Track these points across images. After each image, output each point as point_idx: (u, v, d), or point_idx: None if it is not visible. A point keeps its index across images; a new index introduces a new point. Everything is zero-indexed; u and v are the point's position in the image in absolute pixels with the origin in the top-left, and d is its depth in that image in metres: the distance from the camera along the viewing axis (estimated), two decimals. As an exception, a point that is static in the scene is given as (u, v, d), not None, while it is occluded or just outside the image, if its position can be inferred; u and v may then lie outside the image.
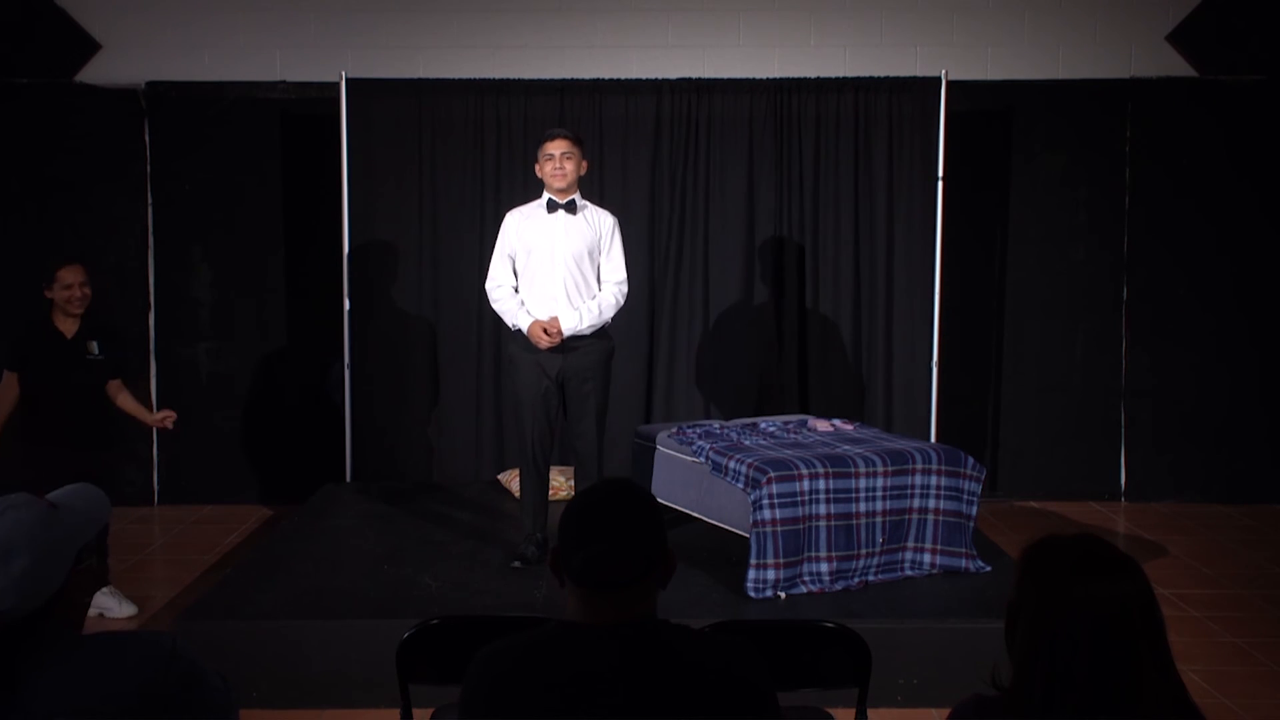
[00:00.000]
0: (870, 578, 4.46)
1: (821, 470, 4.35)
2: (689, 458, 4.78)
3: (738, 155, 6.33)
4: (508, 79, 6.32)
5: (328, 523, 5.44)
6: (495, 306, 4.86)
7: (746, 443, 4.73)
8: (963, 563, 4.58)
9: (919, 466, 4.52)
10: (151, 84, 6.56)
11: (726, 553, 4.69)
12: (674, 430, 5.02)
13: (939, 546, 4.55)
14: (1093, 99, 6.64)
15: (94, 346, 4.91)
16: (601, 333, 4.78)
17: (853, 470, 4.41)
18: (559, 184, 4.67)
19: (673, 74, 6.40)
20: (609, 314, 4.77)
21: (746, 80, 6.33)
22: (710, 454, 4.61)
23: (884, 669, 3.38)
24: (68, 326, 4.93)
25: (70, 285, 4.94)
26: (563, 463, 6.17)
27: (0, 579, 1.77)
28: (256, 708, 3.91)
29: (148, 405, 6.65)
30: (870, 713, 2.71)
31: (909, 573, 4.54)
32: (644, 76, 6.37)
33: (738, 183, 6.34)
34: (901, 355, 6.35)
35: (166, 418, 4.96)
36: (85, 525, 1.92)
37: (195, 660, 1.88)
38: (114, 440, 5.16)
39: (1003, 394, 6.77)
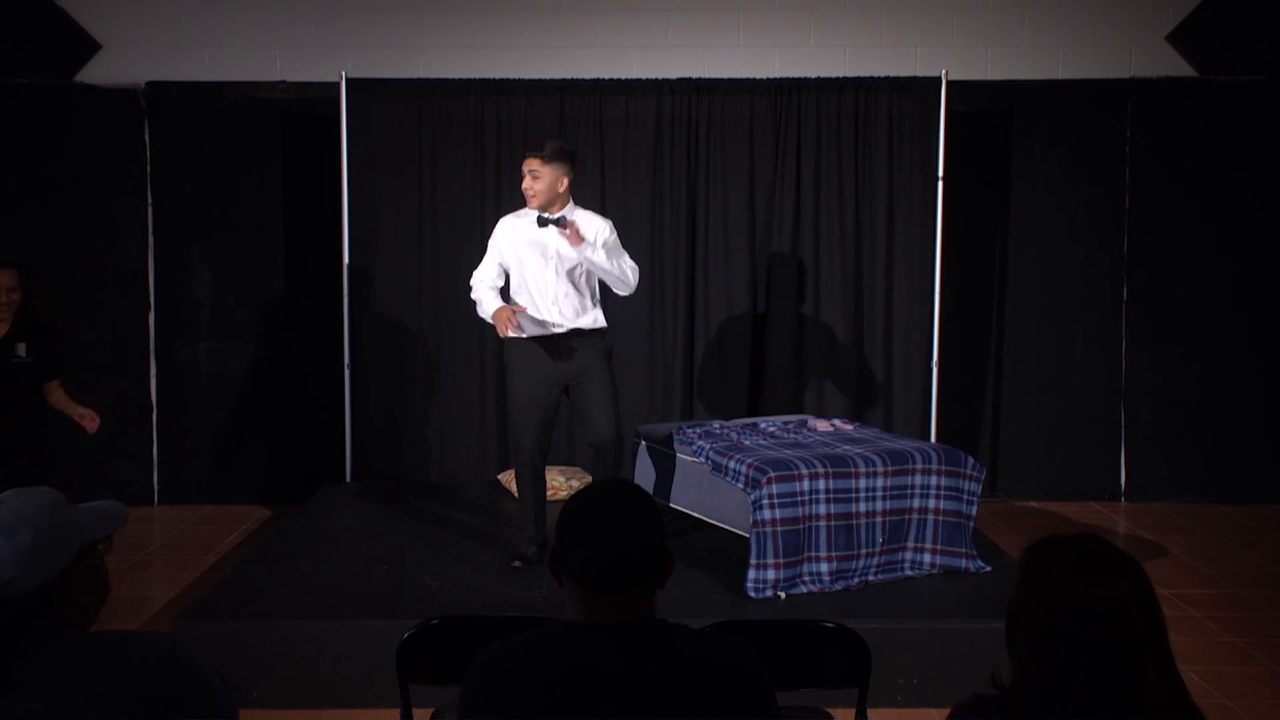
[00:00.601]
0: (870, 578, 4.46)
1: (821, 470, 4.35)
2: (689, 458, 4.78)
3: (738, 155, 6.33)
4: (508, 79, 6.32)
5: (328, 523, 5.44)
6: (474, 296, 4.80)
7: (746, 443, 4.73)
8: (963, 563, 4.58)
9: (919, 466, 4.52)
10: (151, 84, 6.56)
11: (726, 553, 4.69)
12: (674, 430, 5.02)
13: (939, 546, 4.55)
14: (1093, 99, 6.64)
15: (21, 349, 4.76)
16: (599, 332, 4.71)
17: (853, 470, 4.41)
18: (532, 204, 4.59)
19: (673, 74, 6.40)
20: (616, 269, 4.60)
21: (746, 80, 6.33)
22: (710, 454, 4.61)
23: (884, 669, 3.38)
24: None
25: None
26: (566, 463, 6.18)
27: (4, 548, 1.81)
28: (256, 708, 3.91)
29: (148, 405, 6.67)
30: (870, 713, 2.71)
31: (909, 573, 4.54)
32: (644, 76, 6.37)
33: (738, 182, 6.34)
34: (901, 355, 6.35)
35: (84, 415, 4.80)
36: (94, 523, 1.96)
37: (195, 660, 1.88)
38: (49, 440, 4.97)
39: (1003, 394, 6.77)
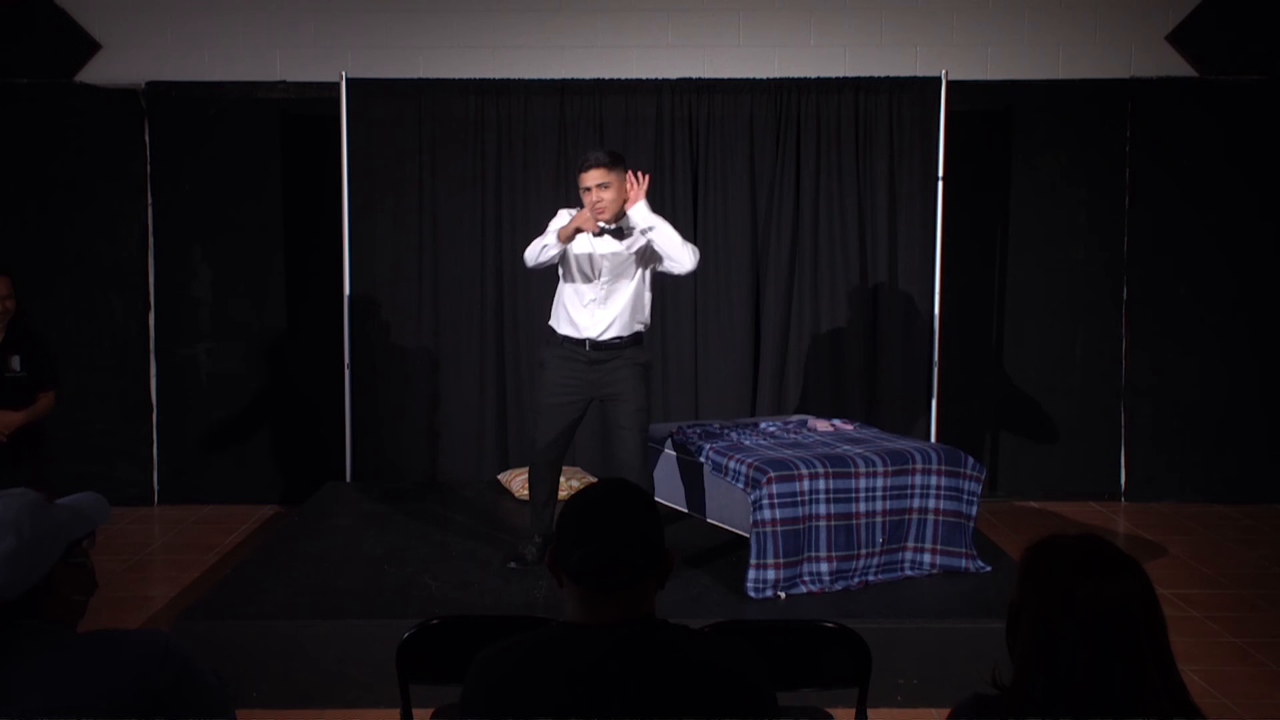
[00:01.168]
0: (870, 578, 4.46)
1: (821, 470, 4.35)
2: (689, 458, 4.78)
3: (738, 155, 6.33)
4: (508, 79, 6.32)
5: (328, 523, 5.44)
6: (533, 249, 4.46)
7: (746, 443, 4.73)
8: (963, 563, 4.57)
9: (919, 466, 4.52)
10: (151, 84, 6.56)
11: (726, 553, 4.69)
12: (674, 430, 5.02)
13: (939, 546, 4.55)
14: (1093, 99, 6.64)
15: (15, 363, 4.52)
16: (637, 342, 4.53)
17: (853, 470, 4.41)
18: (601, 218, 4.37)
19: (673, 74, 6.40)
20: (678, 239, 4.35)
21: (746, 80, 6.33)
22: (710, 454, 4.61)
23: (884, 669, 3.39)
24: None
25: None
26: (566, 463, 6.17)
27: None
28: (256, 708, 3.91)
29: (148, 405, 6.67)
30: (870, 713, 2.71)
31: (909, 573, 4.54)
32: (644, 76, 6.37)
33: (738, 183, 6.34)
34: (901, 355, 6.35)
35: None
36: (76, 521, 1.93)
37: (189, 658, 1.88)
38: (45, 447, 4.73)
39: (1003, 394, 6.77)
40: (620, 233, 4.43)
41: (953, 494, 4.55)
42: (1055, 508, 6.61)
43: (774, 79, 6.34)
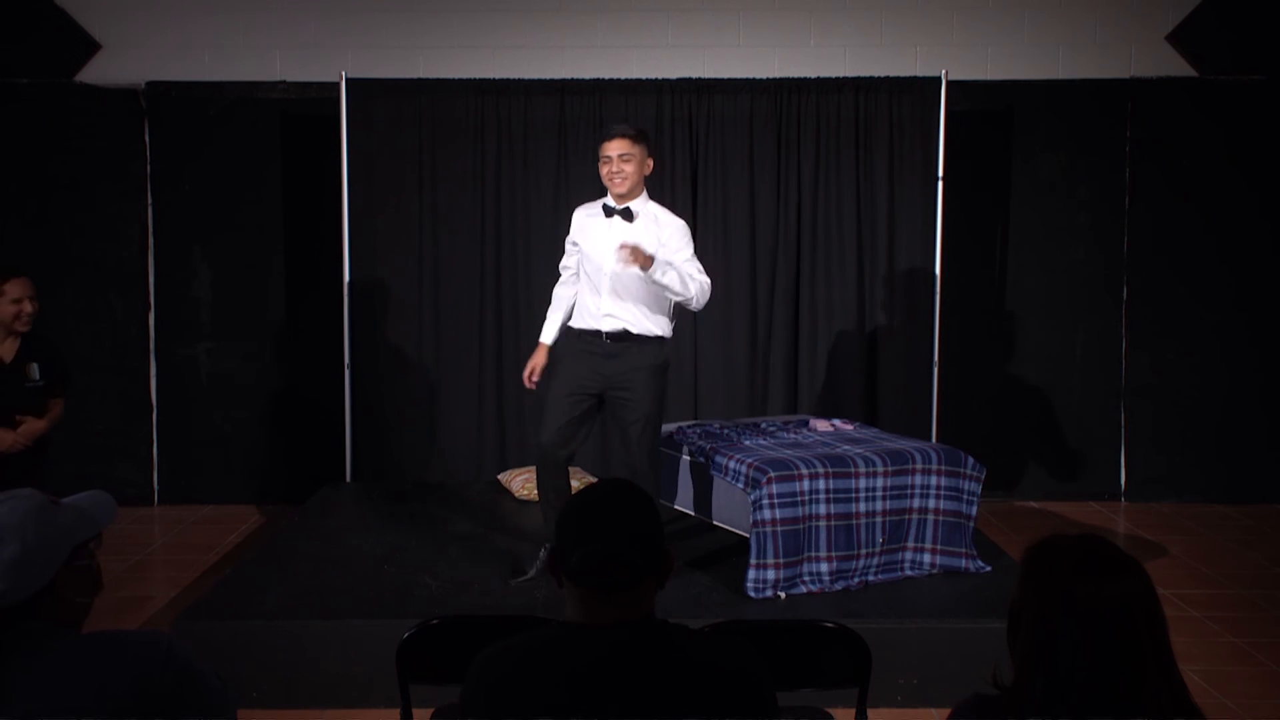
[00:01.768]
0: (870, 578, 4.46)
1: (821, 470, 4.35)
2: (689, 458, 4.78)
3: (738, 155, 6.33)
4: (508, 79, 6.32)
5: (328, 523, 5.44)
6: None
7: (746, 443, 4.73)
8: (963, 563, 4.57)
9: (919, 466, 4.52)
10: (151, 84, 6.56)
11: (726, 553, 4.69)
12: (674, 430, 5.02)
13: (939, 546, 4.55)
14: (1092, 99, 6.64)
15: (34, 370, 4.36)
16: (655, 341, 4.36)
17: (853, 470, 4.41)
18: (618, 189, 4.29)
19: (673, 74, 6.40)
20: (692, 286, 4.20)
21: (746, 80, 6.33)
22: (710, 454, 4.61)
23: (884, 669, 3.38)
24: (6, 348, 4.35)
25: (20, 300, 4.32)
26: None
27: None
28: (256, 708, 3.91)
29: (148, 405, 6.67)
30: (870, 713, 2.71)
31: (909, 573, 4.54)
32: (644, 76, 6.37)
33: (738, 183, 6.34)
34: (901, 355, 6.35)
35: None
36: (83, 523, 1.92)
37: (191, 659, 1.88)
38: (49, 452, 4.57)
39: (1003, 394, 6.77)
40: (629, 214, 4.35)
41: (953, 494, 4.55)
42: (1055, 508, 6.61)
43: (774, 79, 6.34)
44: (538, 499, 4.71)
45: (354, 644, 4.02)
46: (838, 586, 4.36)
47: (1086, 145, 6.68)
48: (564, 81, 6.30)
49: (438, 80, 6.32)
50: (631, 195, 4.35)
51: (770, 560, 4.26)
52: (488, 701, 1.84)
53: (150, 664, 1.82)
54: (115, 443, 6.65)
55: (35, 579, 1.82)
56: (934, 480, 4.53)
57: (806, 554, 4.33)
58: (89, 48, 6.58)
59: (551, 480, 4.45)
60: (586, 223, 4.49)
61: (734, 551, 4.62)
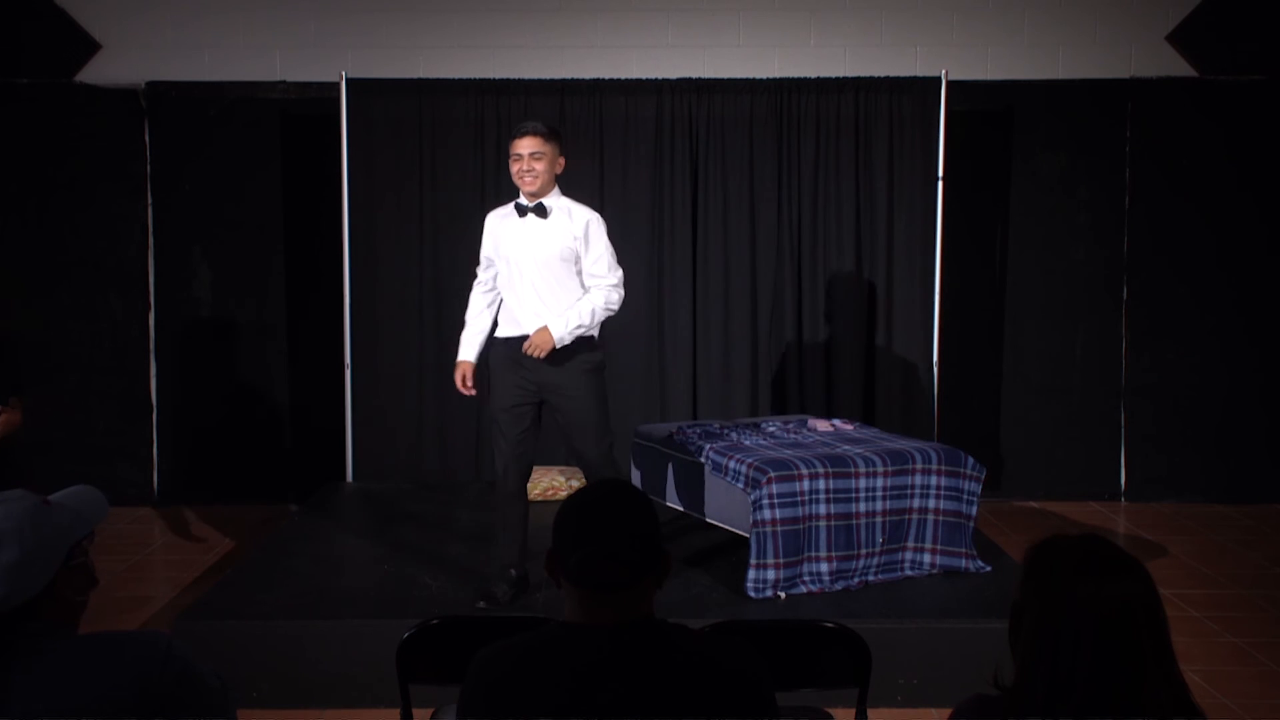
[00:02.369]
0: (870, 578, 4.46)
1: (821, 470, 4.35)
2: (689, 458, 4.78)
3: (738, 155, 6.33)
4: (508, 79, 6.32)
5: (328, 523, 5.44)
6: (467, 315, 4.57)
7: (746, 443, 4.73)
8: (963, 563, 4.57)
9: (919, 466, 4.52)
10: (151, 84, 6.56)
11: (726, 553, 4.69)
12: (674, 430, 5.02)
13: (939, 546, 4.55)
14: (1093, 99, 6.64)
15: None
16: (587, 342, 4.29)
17: (853, 470, 4.41)
18: (529, 188, 4.23)
19: (673, 74, 6.40)
20: (599, 316, 4.25)
21: (746, 80, 6.33)
22: (710, 454, 4.60)
23: (884, 669, 3.38)
24: None
25: None
26: (565, 462, 6.17)
27: None
28: (256, 708, 3.91)
29: (148, 405, 6.67)
30: (870, 713, 2.71)
31: (909, 573, 4.54)
32: (644, 76, 6.37)
33: (738, 183, 6.34)
34: (901, 355, 6.35)
35: None
36: (77, 523, 1.92)
37: (190, 659, 1.87)
38: (9, 461, 4.29)
39: (1003, 394, 6.77)
40: (543, 210, 4.28)
41: (953, 494, 4.55)
42: (1055, 508, 6.61)
43: (774, 79, 6.34)
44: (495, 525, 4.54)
45: (354, 644, 4.02)
46: (838, 586, 4.36)
47: (1086, 145, 6.68)
48: (564, 81, 6.30)
49: (438, 80, 6.32)
50: (544, 192, 4.29)
51: (770, 560, 4.26)
52: (487, 701, 1.84)
53: (150, 664, 1.82)
54: (115, 443, 6.65)
55: (34, 581, 1.82)
56: (934, 480, 4.53)
57: (806, 554, 4.33)
58: (89, 48, 6.58)
59: (511, 512, 4.35)
60: (500, 226, 4.38)
61: (734, 551, 4.62)
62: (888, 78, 6.30)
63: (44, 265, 6.56)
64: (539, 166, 4.22)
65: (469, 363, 4.51)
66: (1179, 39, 6.65)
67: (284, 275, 6.67)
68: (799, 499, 4.30)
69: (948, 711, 1.81)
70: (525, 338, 4.25)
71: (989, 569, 4.59)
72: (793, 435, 4.93)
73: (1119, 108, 6.65)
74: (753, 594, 4.25)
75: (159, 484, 6.71)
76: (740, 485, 4.36)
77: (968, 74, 6.50)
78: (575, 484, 5.81)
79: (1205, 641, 4.55)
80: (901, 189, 6.29)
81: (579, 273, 4.30)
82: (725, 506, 4.54)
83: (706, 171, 6.34)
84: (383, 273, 6.34)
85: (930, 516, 4.54)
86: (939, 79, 6.14)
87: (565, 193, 4.39)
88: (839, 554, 4.38)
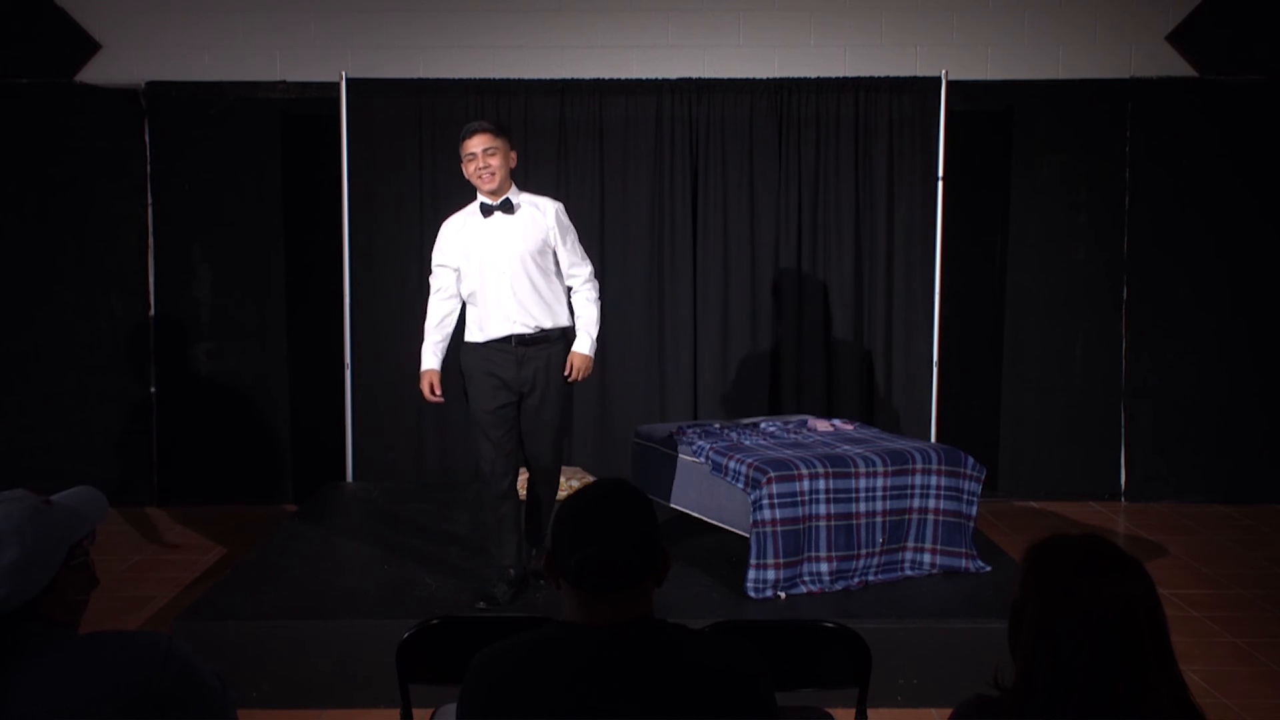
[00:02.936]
0: (870, 578, 4.46)
1: (821, 470, 4.35)
2: (689, 458, 4.78)
3: (738, 155, 6.33)
4: (508, 79, 6.32)
5: (328, 523, 5.44)
6: (426, 325, 4.52)
7: (746, 443, 4.73)
8: (963, 563, 4.57)
9: (919, 466, 4.52)
10: (151, 84, 6.56)
11: (726, 553, 4.69)
12: (674, 430, 5.02)
13: (939, 546, 4.55)
14: (1093, 99, 6.64)
15: None
16: (562, 333, 4.33)
17: (853, 470, 4.41)
18: (488, 185, 4.24)
19: (673, 74, 6.40)
20: (597, 309, 4.37)
21: (746, 80, 6.33)
22: (710, 454, 4.60)
23: (884, 669, 3.39)
24: None
25: None
26: (564, 462, 6.17)
27: None
28: (256, 708, 3.91)
29: (148, 405, 6.67)
30: (870, 713, 2.71)
31: (909, 573, 4.54)
32: (644, 76, 6.37)
33: (738, 182, 6.35)
34: (901, 355, 6.35)
35: None
36: (77, 523, 1.92)
37: (190, 659, 1.87)
38: None
39: (1003, 394, 6.77)
40: (509, 206, 4.30)
41: (953, 494, 4.55)
42: (1055, 508, 6.61)
43: (774, 79, 6.34)
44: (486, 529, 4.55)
45: (354, 644, 4.02)
46: (838, 586, 4.36)
47: (1086, 145, 6.68)
48: (564, 81, 6.31)
49: (438, 80, 6.32)
50: (503, 189, 4.30)
51: (770, 560, 4.26)
52: (487, 702, 1.84)
53: (150, 664, 1.82)
54: (115, 443, 6.65)
55: (36, 581, 1.82)
56: (934, 480, 4.53)
57: (806, 554, 4.33)
58: (89, 48, 6.58)
59: (499, 513, 4.35)
60: (465, 231, 4.35)
61: (734, 551, 4.62)
62: (888, 78, 6.30)
63: (44, 265, 6.56)
64: (494, 162, 4.26)
65: (435, 370, 4.49)
66: (1179, 39, 6.65)
67: (284, 275, 6.67)
68: (799, 499, 4.30)
69: (948, 711, 1.81)
70: (505, 339, 4.29)
71: (989, 569, 4.59)
72: (793, 435, 4.93)
73: (1119, 108, 6.65)
74: (753, 594, 4.25)
75: (159, 484, 6.71)
76: (740, 485, 4.36)
77: (968, 74, 6.50)
78: (575, 484, 5.81)
79: (1205, 641, 4.55)
80: (901, 189, 6.30)
81: (555, 264, 4.34)
82: (725, 506, 4.54)
83: (706, 171, 6.34)
84: (382, 272, 6.34)
85: (930, 516, 4.54)
86: (939, 79, 6.14)
87: (550, 194, 4.40)
88: (839, 554, 4.38)
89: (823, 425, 5.15)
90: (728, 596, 4.29)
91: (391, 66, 6.47)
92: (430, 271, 4.52)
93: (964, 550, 4.58)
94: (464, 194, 6.32)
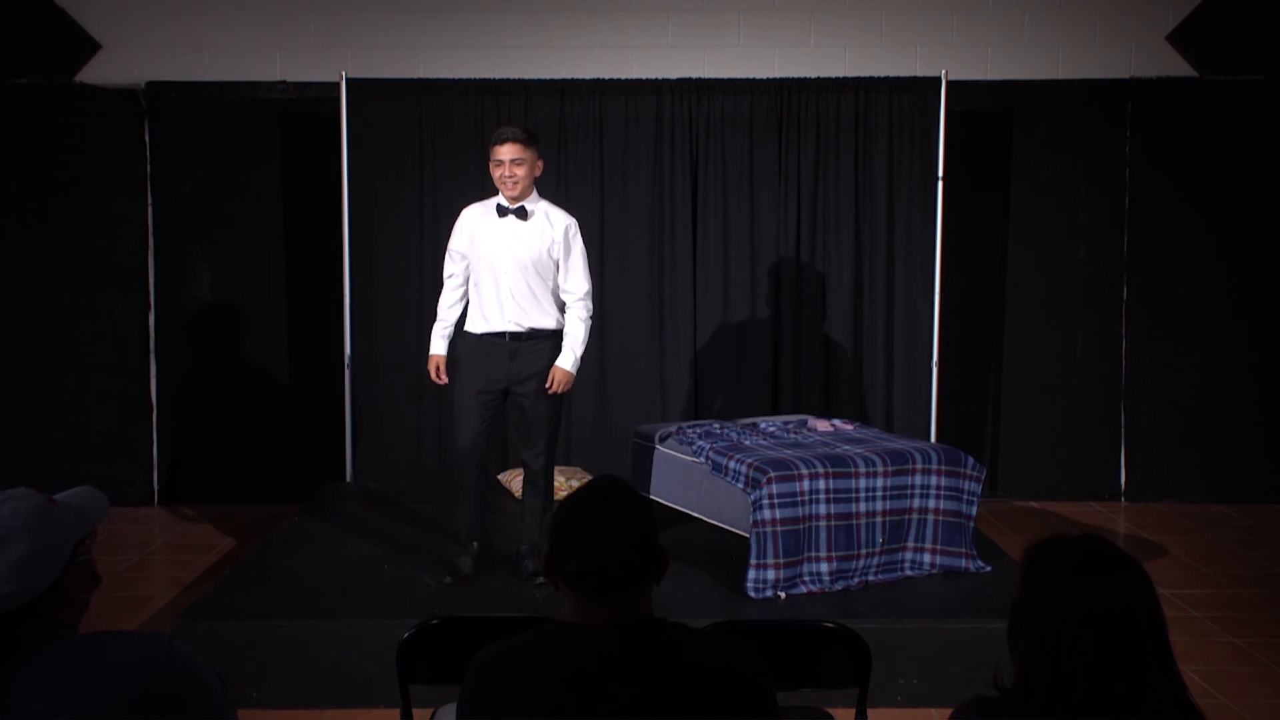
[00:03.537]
0: (870, 578, 4.46)
1: (821, 470, 4.35)
2: (689, 458, 4.78)
3: (738, 155, 6.33)
4: (508, 79, 6.32)
5: (328, 523, 5.44)
6: (439, 307, 4.73)
7: (746, 443, 4.73)
8: (963, 563, 4.58)
9: (919, 466, 4.52)
10: (151, 84, 6.56)
11: (726, 553, 4.69)
12: (674, 430, 5.02)
13: (939, 546, 4.55)
14: (1093, 99, 6.64)
15: None
16: (552, 333, 4.52)
17: (853, 470, 4.41)
18: (510, 192, 4.43)
19: (673, 74, 6.40)
20: (586, 327, 4.54)
21: (746, 80, 6.33)
22: (710, 454, 4.61)
23: (884, 669, 3.38)
24: None
25: None
26: (564, 462, 6.17)
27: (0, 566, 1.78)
28: (256, 707, 3.91)
29: (148, 405, 6.67)
30: (870, 713, 2.71)
31: (909, 573, 4.54)
32: (644, 76, 6.37)
33: (738, 182, 6.35)
34: (901, 355, 6.35)
35: None
36: (81, 521, 1.92)
37: (191, 659, 1.87)
38: None
39: (1003, 394, 6.77)
40: (524, 212, 4.47)
41: (953, 494, 4.55)
42: (1055, 508, 6.61)
43: (774, 79, 6.34)
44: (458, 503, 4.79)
45: (354, 644, 4.02)
46: (838, 586, 4.36)
47: (1086, 145, 6.68)
48: (564, 81, 6.31)
49: (438, 80, 6.32)
50: (524, 196, 4.48)
51: (770, 560, 4.26)
52: (487, 702, 1.84)
53: (151, 665, 1.82)
54: (115, 443, 6.65)
55: (40, 580, 1.82)
56: (934, 480, 4.53)
57: (806, 554, 4.33)
58: (89, 48, 6.58)
59: (472, 479, 4.61)
60: (479, 224, 4.56)
61: (734, 551, 4.62)
62: (888, 78, 6.30)
63: (44, 265, 6.56)
64: (520, 172, 4.42)
65: (441, 355, 4.71)
66: (1179, 39, 6.65)
67: (284, 275, 6.67)
68: (799, 499, 4.30)
69: (948, 711, 1.81)
70: (498, 334, 4.49)
71: (989, 569, 4.59)
72: (793, 435, 4.93)
73: (1119, 108, 6.65)
74: (753, 594, 4.25)
75: (159, 484, 6.71)
76: (740, 485, 4.36)
77: (968, 74, 6.50)
78: (575, 484, 5.81)
79: (1205, 641, 4.55)
80: (901, 189, 6.30)
81: (554, 277, 4.52)
82: (725, 506, 4.54)
83: (706, 171, 6.34)
84: (382, 272, 6.34)
85: (930, 516, 4.54)
86: (939, 79, 6.14)
87: (548, 194, 4.46)
88: (839, 554, 4.38)
89: (823, 425, 5.15)
90: (728, 596, 4.30)
91: (391, 66, 6.47)
92: (446, 254, 4.73)
93: (964, 550, 4.58)
94: (464, 195, 6.34)
